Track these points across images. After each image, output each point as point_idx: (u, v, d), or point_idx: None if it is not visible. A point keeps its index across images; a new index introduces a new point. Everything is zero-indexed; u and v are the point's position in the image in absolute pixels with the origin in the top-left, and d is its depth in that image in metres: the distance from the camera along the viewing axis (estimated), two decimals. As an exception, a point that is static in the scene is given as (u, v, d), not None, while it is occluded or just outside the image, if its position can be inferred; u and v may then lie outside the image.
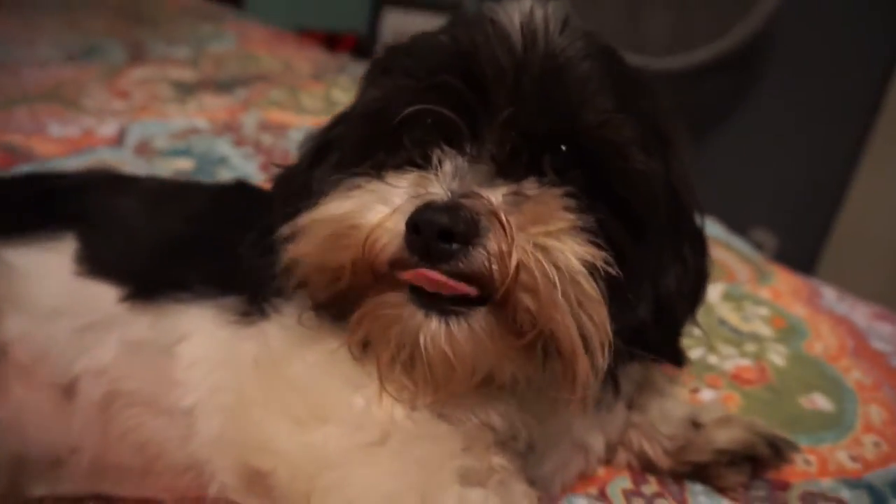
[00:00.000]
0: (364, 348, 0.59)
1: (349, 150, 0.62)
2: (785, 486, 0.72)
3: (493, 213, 0.51)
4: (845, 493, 0.72)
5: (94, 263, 0.69)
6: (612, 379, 0.59)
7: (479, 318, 0.52)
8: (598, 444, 0.69)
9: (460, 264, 0.50)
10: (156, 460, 0.66)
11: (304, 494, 0.55)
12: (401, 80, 0.59)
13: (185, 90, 1.73)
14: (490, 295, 0.52)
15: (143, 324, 0.66)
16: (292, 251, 0.57)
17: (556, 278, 0.51)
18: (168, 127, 1.45)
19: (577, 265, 0.52)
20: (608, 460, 0.74)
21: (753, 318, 1.06)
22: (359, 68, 2.18)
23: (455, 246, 0.50)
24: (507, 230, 0.51)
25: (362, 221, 0.53)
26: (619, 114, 0.56)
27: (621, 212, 0.57)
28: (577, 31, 0.58)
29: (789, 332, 1.03)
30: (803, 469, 0.76)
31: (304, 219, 0.57)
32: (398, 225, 0.52)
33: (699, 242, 0.67)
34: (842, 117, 2.40)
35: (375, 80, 0.63)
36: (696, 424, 0.73)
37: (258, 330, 0.64)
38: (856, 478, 0.75)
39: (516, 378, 0.57)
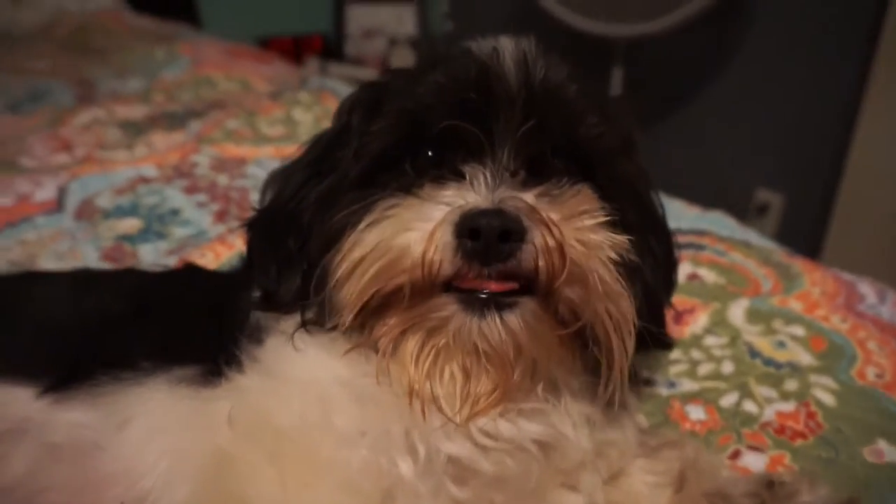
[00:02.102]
0: (392, 351, 0.58)
1: (357, 178, 0.63)
2: None
3: (535, 212, 0.55)
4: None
5: None
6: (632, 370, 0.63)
7: (529, 307, 0.55)
8: (616, 438, 0.66)
9: (514, 262, 0.54)
10: None
11: None
12: (415, 105, 0.62)
13: (135, 131, 1.58)
14: (532, 290, 0.55)
15: (67, 420, 0.58)
16: (347, 289, 0.58)
17: (601, 271, 0.55)
18: (112, 180, 1.31)
19: (613, 257, 0.57)
20: None
21: (788, 341, 0.91)
22: (321, 80, 2.04)
23: (508, 246, 0.53)
24: (552, 226, 0.54)
25: (411, 246, 0.55)
26: (606, 127, 0.63)
27: (611, 213, 0.62)
28: (553, 58, 0.64)
29: (832, 355, 0.89)
30: (885, 558, 0.62)
31: (351, 252, 0.58)
32: (445, 236, 0.54)
33: (662, 233, 0.71)
34: (837, 61, 2.22)
35: (365, 116, 0.65)
36: (771, 483, 0.62)
37: (232, 386, 0.58)
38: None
39: (553, 375, 0.60)
